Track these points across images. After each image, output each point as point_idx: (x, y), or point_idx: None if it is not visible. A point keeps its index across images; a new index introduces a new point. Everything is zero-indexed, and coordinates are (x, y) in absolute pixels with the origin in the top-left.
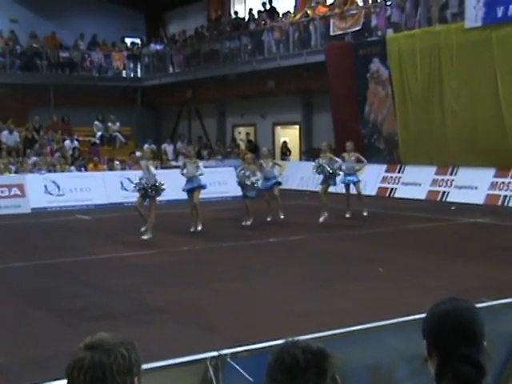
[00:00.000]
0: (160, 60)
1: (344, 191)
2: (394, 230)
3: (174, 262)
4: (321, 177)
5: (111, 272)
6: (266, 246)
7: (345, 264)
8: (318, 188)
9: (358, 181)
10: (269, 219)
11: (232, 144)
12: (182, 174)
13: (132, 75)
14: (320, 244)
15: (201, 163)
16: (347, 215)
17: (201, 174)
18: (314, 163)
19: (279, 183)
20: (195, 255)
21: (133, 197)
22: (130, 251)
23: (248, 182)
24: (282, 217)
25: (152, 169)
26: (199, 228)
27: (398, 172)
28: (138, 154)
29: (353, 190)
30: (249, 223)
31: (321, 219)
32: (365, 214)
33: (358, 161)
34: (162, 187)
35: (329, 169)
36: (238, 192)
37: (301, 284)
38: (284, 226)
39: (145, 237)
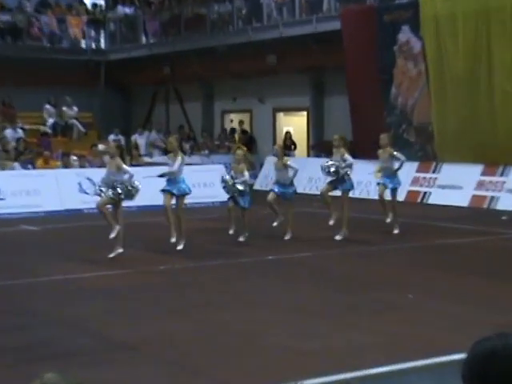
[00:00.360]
0: (130, 27)
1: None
2: (427, 245)
3: (147, 286)
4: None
5: (65, 298)
6: (262, 265)
7: (363, 289)
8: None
9: (395, 187)
10: (275, 224)
11: (222, 135)
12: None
13: (94, 46)
14: (332, 263)
15: (180, 156)
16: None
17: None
18: (323, 164)
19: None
20: (173, 276)
21: (94, 202)
22: (91, 271)
23: (235, 188)
24: (287, 238)
25: (126, 167)
26: (180, 247)
27: (433, 172)
28: (101, 147)
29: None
30: (242, 239)
31: (331, 222)
32: (396, 231)
33: (393, 158)
34: (137, 189)
35: (334, 168)
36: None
37: (305, 314)
38: (287, 240)
39: (112, 254)
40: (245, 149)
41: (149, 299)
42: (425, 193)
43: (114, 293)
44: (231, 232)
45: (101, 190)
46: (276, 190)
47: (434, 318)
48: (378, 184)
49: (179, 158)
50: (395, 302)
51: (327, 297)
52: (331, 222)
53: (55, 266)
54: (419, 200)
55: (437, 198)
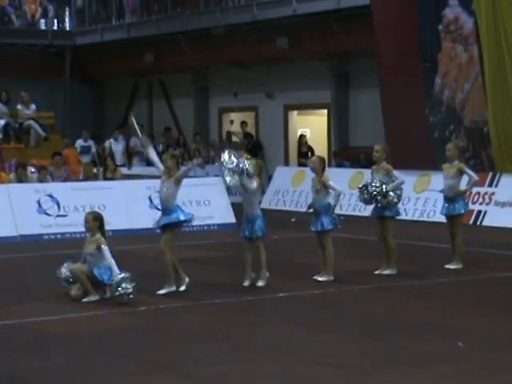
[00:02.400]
0: (102, 3)
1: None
2: (481, 279)
3: (124, 331)
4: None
5: (20, 347)
6: (271, 304)
7: (398, 335)
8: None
9: (460, 213)
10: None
11: (213, 144)
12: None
13: (56, 27)
14: (359, 301)
15: (104, 245)
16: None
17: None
18: (360, 185)
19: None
20: (157, 319)
21: (57, 225)
22: (53, 314)
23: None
24: (320, 279)
25: (107, 254)
26: (162, 291)
27: (490, 185)
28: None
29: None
30: (246, 284)
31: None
32: (451, 266)
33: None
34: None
35: (373, 190)
36: (229, 218)
37: (326, 367)
38: (303, 270)
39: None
40: (248, 156)
41: (125, 349)
42: (479, 212)
43: (81, 341)
44: (246, 284)
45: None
46: (313, 228)
47: (495, 373)
48: (444, 215)
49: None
50: (441, 352)
51: (353, 344)
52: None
53: (7, 307)
54: (471, 221)
55: (494, 218)
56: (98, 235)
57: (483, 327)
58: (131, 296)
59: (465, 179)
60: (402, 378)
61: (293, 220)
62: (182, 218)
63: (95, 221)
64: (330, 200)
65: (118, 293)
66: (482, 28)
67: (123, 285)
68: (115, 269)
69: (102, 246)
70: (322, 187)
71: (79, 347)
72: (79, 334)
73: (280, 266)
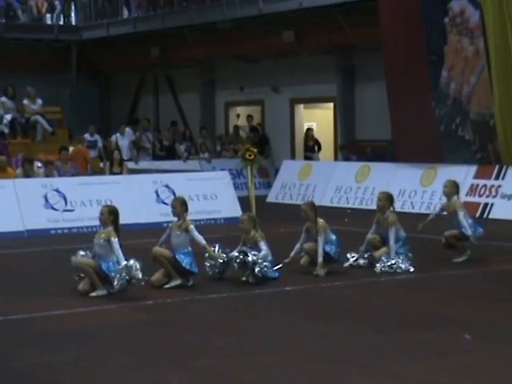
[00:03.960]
0: None
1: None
2: (489, 271)
3: (130, 326)
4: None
5: (28, 342)
6: (278, 297)
7: (406, 327)
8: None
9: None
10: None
11: (223, 138)
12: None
13: (62, 22)
14: (366, 294)
15: (192, 225)
16: None
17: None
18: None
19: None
20: (165, 313)
21: (64, 220)
22: (60, 309)
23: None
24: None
25: (116, 247)
26: (169, 285)
27: (497, 178)
28: (72, 150)
29: None
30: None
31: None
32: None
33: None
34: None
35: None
36: (235, 212)
37: (332, 360)
38: (310, 264)
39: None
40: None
41: (132, 343)
42: (485, 204)
43: (88, 335)
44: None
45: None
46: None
47: (497, 365)
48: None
49: (191, 227)
50: (448, 344)
51: (359, 337)
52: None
53: (14, 301)
54: (478, 213)
55: (501, 210)
56: (110, 228)
57: (491, 319)
58: (134, 282)
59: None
60: (405, 370)
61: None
62: (187, 267)
63: (110, 214)
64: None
65: (121, 280)
66: (488, 21)
67: (123, 274)
68: (122, 262)
69: (112, 238)
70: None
71: (87, 342)
72: (87, 329)
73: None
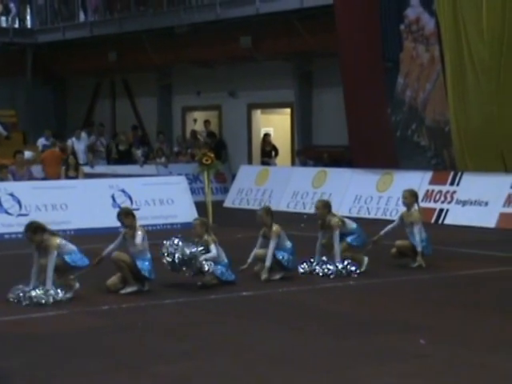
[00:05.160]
0: (63, 1)
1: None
2: (443, 277)
3: (88, 331)
4: None
5: None
6: (236, 302)
7: (365, 332)
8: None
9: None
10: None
11: (179, 140)
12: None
13: (17, 25)
14: (325, 299)
15: (140, 231)
16: None
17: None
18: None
19: None
20: (120, 319)
21: (18, 225)
22: (12, 314)
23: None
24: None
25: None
26: (125, 291)
27: (451, 184)
28: (27, 154)
29: None
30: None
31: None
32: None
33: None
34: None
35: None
36: (192, 217)
37: (292, 364)
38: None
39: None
40: (212, 156)
41: (87, 349)
42: (440, 210)
43: (42, 341)
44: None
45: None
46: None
47: (456, 369)
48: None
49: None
50: (403, 348)
51: (319, 342)
52: None
53: None
54: (433, 220)
55: (455, 216)
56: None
57: (445, 324)
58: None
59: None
60: (364, 375)
61: (302, 225)
62: (146, 274)
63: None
64: None
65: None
66: (443, 28)
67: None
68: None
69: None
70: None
71: (40, 348)
72: (40, 335)
73: (243, 264)
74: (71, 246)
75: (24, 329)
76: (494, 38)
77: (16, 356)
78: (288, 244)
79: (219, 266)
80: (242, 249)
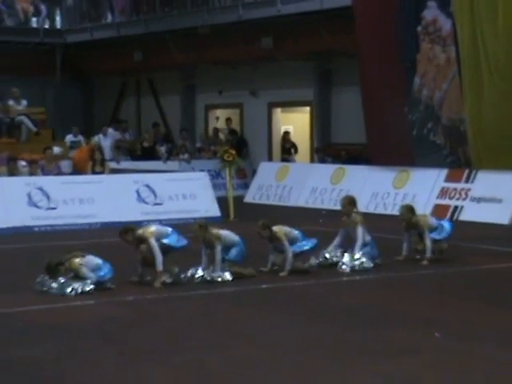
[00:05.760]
0: (92, 2)
1: None
2: (458, 272)
3: (111, 320)
4: None
5: (11, 337)
6: (254, 295)
7: (378, 325)
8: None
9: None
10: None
11: (203, 137)
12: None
13: (47, 26)
14: (340, 293)
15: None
16: None
17: None
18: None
19: None
20: (144, 309)
21: (47, 217)
22: (43, 303)
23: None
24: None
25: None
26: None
27: (466, 181)
28: (56, 150)
29: None
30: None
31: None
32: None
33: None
34: None
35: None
36: (213, 211)
37: (304, 356)
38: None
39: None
40: (234, 153)
41: (113, 337)
42: (455, 207)
43: (70, 330)
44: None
45: None
46: None
47: (470, 362)
48: None
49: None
50: (417, 341)
51: (333, 333)
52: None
53: None
54: (448, 216)
55: (470, 213)
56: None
57: (458, 318)
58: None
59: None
60: (375, 366)
61: (321, 221)
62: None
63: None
64: None
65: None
66: (459, 30)
67: None
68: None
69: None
70: None
71: (69, 337)
72: (69, 323)
73: (264, 258)
74: (166, 230)
75: (51, 318)
76: (510, 39)
77: (43, 345)
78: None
79: (233, 251)
80: (263, 243)
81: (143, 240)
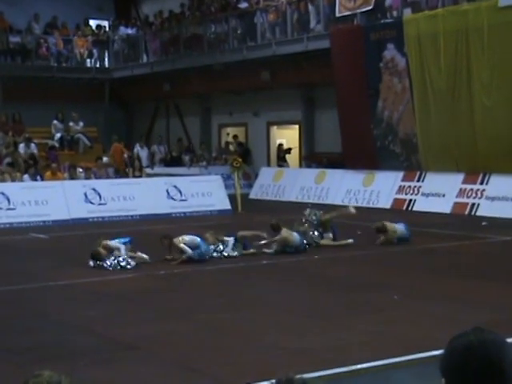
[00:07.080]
0: (132, 47)
1: None
2: (412, 250)
3: (149, 289)
4: None
5: (72, 301)
6: (258, 269)
7: (352, 291)
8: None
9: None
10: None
11: (217, 148)
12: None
13: (98, 65)
14: (323, 267)
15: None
16: None
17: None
18: None
19: None
20: (173, 280)
21: (99, 211)
22: (96, 276)
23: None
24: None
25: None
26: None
27: (418, 180)
28: (105, 159)
29: None
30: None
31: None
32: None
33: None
34: None
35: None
36: (226, 205)
37: (298, 315)
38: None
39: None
40: (240, 160)
41: (150, 302)
42: (410, 200)
43: (117, 296)
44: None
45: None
46: None
47: (419, 318)
48: None
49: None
50: (381, 302)
51: (319, 298)
52: None
53: (63, 271)
54: (404, 207)
55: (421, 205)
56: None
57: (411, 284)
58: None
59: None
60: (352, 322)
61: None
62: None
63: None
64: None
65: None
66: (411, 66)
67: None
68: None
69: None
70: None
71: (117, 301)
72: (117, 291)
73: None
74: (196, 240)
75: (102, 288)
76: (449, 73)
77: (96, 308)
78: None
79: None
80: (265, 229)
81: (175, 247)
